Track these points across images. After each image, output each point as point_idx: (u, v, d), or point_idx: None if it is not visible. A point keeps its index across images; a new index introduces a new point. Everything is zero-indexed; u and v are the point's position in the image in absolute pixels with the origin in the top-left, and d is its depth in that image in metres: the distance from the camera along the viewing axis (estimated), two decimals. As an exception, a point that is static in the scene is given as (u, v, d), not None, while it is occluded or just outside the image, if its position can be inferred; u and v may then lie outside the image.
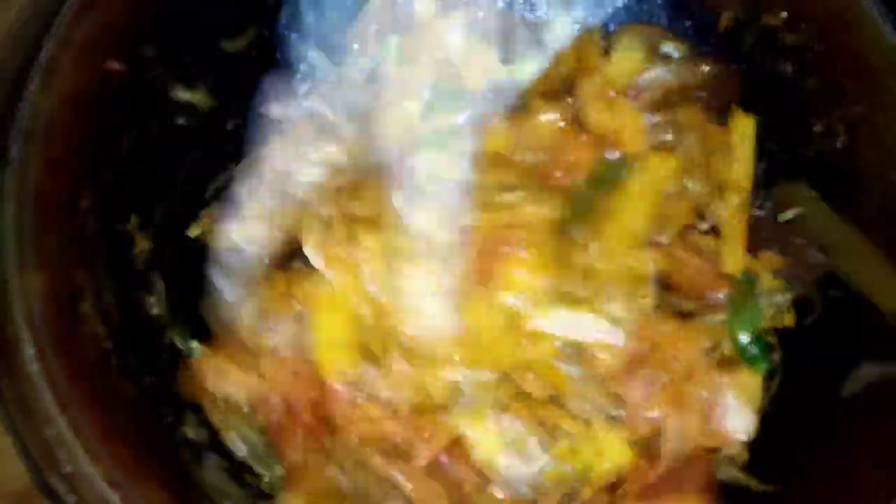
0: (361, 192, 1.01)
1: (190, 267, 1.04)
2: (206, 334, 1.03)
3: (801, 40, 1.08)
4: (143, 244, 0.98)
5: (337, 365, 0.95)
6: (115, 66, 0.96)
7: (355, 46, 1.11)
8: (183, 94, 1.05)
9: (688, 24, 1.19)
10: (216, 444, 0.93)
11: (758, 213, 1.09)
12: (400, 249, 0.95)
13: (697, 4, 1.18)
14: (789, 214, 1.06)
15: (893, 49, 0.98)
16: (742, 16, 1.14)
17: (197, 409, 0.96)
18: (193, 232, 1.07)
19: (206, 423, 0.94)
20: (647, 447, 0.96)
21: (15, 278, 0.79)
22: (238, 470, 0.95)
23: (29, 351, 0.76)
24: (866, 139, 1.02)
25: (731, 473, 0.97)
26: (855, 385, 0.95)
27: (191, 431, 0.92)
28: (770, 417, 0.98)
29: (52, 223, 0.86)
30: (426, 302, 0.94)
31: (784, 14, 1.10)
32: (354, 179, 1.03)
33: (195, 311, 1.03)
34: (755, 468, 0.98)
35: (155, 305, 0.99)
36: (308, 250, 0.99)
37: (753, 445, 0.98)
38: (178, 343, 1.00)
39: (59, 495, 0.73)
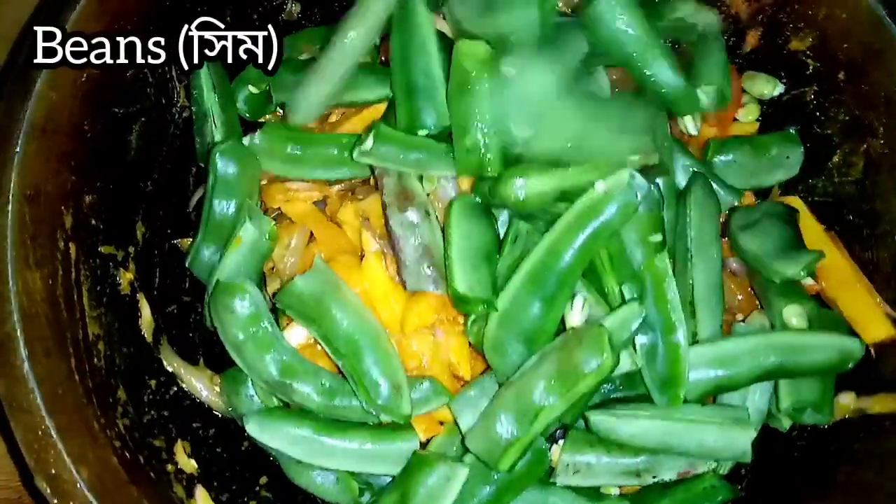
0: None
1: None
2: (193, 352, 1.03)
3: (826, 68, 1.06)
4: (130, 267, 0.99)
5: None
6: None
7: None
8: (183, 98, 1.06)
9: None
10: (207, 476, 0.94)
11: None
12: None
13: (724, 24, 1.15)
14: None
15: (923, 87, 0.95)
16: (768, 38, 1.12)
17: (188, 436, 0.96)
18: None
19: (197, 453, 0.94)
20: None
21: (12, 277, 0.80)
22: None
23: (22, 351, 0.77)
24: (888, 177, 1.00)
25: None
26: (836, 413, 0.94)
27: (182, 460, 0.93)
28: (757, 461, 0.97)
29: (53, 222, 0.87)
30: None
31: (811, 40, 1.07)
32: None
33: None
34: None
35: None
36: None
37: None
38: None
39: (45, 497, 0.74)
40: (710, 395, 0.93)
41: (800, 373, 0.92)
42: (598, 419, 0.88)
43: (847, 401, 0.94)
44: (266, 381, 0.90)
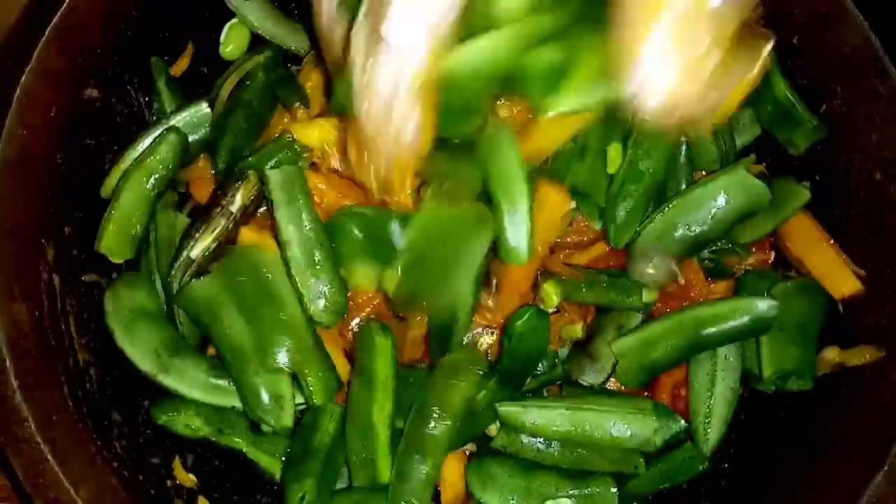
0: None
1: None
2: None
3: (780, 34, 1.07)
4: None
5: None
6: (93, 93, 0.99)
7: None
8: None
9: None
10: (208, 488, 0.96)
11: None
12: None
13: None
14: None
15: (873, 46, 0.97)
16: (721, 11, 1.13)
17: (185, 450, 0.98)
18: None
19: (196, 467, 0.96)
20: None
21: (-1, 310, 0.82)
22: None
23: (13, 382, 0.79)
24: (849, 137, 1.01)
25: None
26: (819, 368, 0.96)
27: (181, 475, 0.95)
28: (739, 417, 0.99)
29: (33, 254, 0.89)
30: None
31: (762, 9, 1.08)
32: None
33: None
34: (728, 471, 1.00)
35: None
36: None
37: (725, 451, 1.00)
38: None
39: (46, 521, 0.76)
40: (645, 382, 0.97)
41: (717, 342, 0.95)
42: (506, 410, 0.90)
43: (831, 355, 0.95)
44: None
